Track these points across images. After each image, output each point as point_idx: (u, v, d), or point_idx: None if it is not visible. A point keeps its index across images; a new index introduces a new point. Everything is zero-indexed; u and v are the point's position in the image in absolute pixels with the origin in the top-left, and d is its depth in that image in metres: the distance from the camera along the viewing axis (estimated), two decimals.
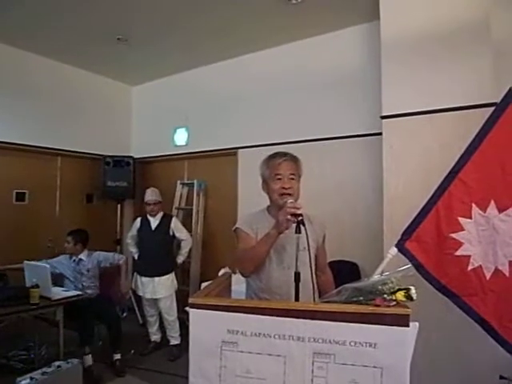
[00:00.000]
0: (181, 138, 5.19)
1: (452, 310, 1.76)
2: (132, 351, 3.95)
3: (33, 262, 3.52)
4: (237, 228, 1.94)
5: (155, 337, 4.19)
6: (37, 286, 3.11)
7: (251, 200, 3.32)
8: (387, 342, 1.23)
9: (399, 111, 2.95)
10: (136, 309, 4.84)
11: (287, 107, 4.22)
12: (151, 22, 3.82)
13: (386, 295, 1.30)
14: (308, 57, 4.13)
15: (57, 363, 2.88)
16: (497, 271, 1.73)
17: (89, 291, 3.71)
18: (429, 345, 2.28)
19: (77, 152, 5.01)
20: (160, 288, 4.01)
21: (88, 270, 3.79)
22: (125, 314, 4.29)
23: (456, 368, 2.58)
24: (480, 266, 1.74)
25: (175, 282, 4.16)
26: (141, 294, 4.14)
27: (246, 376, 1.30)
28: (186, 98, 5.14)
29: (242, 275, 1.92)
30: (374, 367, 1.23)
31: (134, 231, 4.26)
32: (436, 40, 2.84)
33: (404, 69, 2.97)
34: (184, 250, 4.21)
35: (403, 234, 1.81)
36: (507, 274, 1.72)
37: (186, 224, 4.58)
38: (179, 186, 5.08)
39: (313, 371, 1.27)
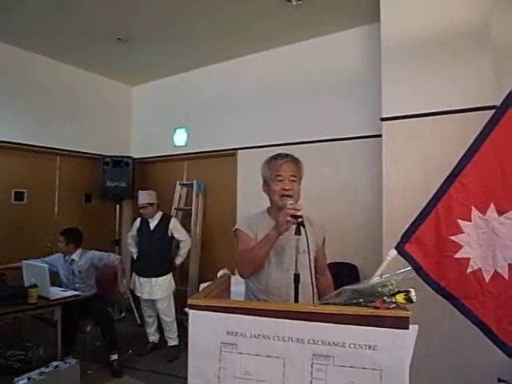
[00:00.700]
0: (180, 138, 5.19)
1: (451, 312, 1.76)
2: (130, 352, 3.95)
3: (31, 262, 3.51)
4: (237, 229, 1.94)
5: (153, 337, 4.17)
6: (35, 286, 3.11)
7: (250, 201, 3.33)
8: (387, 344, 1.22)
9: (399, 113, 2.95)
10: (134, 309, 4.83)
11: (287, 108, 4.23)
12: (152, 22, 3.82)
13: (385, 297, 1.29)
14: (308, 58, 4.14)
15: (54, 363, 2.88)
16: (496, 274, 1.74)
17: (80, 292, 3.60)
18: (428, 347, 2.28)
19: (76, 152, 5.00)
20: (157, 289, 3.99)
21: (80, 271, 3.74)
22: (123, 315, 4.27)
23: (454, 370, 2.58)
24: (479, 269, 1.74)
25: (173, 283, 4.14)
26: (138, 294, 4.12)
27: (245, 378, 1.30)
28: (185, 98, 5.14)
29: (242, 276, 1.91)
30: (374, 369, 1.23)
31: (133, 231, 4.26)
32: (436, 42, 2.85)
33: (404, 71, 2.97)
34: (182, 251, 4.19)
35: (403, 237, 1.81)
36: (506, 277, 1.72)
37: (185, 225, 4.57)
38: (178, 187, 5.08)
39: (312, 373, 1.26)
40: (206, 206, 4.99)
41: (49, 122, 4.70)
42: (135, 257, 4.26)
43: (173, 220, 4.22)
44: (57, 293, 3.37)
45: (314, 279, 1.77)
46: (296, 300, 1.64)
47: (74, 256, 3.77)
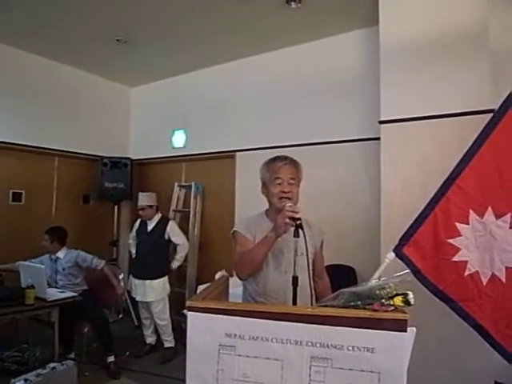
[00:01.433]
0: (179, 140, 5.19)
1: (449, 315, 1.77)
2: (127, 353, 3.93)
3: (26, 263, 3.52)
4: (235, 231, 1.94)
5: (150, 339, 4.16)
6: (32, 287, 3.10)
7: (249, 203, 3.34)
8: (385, 346, 1.23)
9: (397, 116, 2.96)
10: (131, 311, 4.82)
11: (286, 111, 4.23)
12: (151, 23, 3.83)
13: (383, 300, 1.30)
14: (307, 61, 4.15)
15: (51, 365, 2.87)
16: (493, 277, 1.74)
17: (66, 290, 3.57)
18: (426, 349, 2.28)
19: (74, 153, 4.99)
20: (150, 291, 3.97)
21: (64, 269, 3.73)
22: (120, 316, 4.26)
23: (452, 373, 2.59)
24: (477, 272, 1.75)
25: (167, 286, 4.10)
26: (134, 295, 4.12)
27: (243, 380, 1.30)
28: (184, 100, 5.14)
29: (240, 278, 1.91)
30: (372, 372, 1.23)
31: (133, 232, 4.27)
32: (435, 46, 2.86)
33: (403, 74, 2.98)
34: (179, 255, 4.15)
35: (401, 239, 1.82)
36: (503, 280, 1.73)
37: (183, 226, 4.57)
38: (176, 188, 5.07)
39: (310, 375, 1.26)
40: (204, 208, 4.99)
41: (47, 122, 4.70)
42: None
43: (170, 223, 4.18)
44: (54, 294, 3.36)
45: (312, 282, 1.78)
46: (294, 302, 1.64)
47: (59, 254, 3.78)
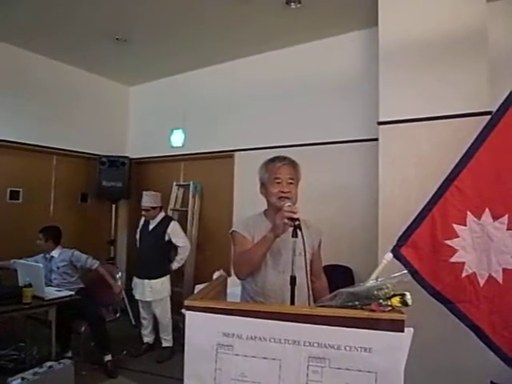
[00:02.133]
0: (177, 139, 5.19)
1: (446, 315, 1.77)
2: (124, 352, 3.93)
3: (23, 261, 3.52)
4: (233, 231, 1.94)
5: (148, 339, 4.15)
6: (30, 286, 3.09)
7: (247, 203, 3.34)
8: (382, 346, 1.23)
9: (396, 117, 2.98)
10: (129, 310, 4.82)
11: (285, 111, 4.24)
12: (151, 22, 3.83)
13: (381, 300, 1.30)
14: (306, 61, 4.16)
15: (48, 363, 2.87)
16: (490, 278, 1.75)
17: (61, 289, 3.56)
18: (423, 350, 2.28)
19: (72, 151, 4.99)
20: (148, 291, 3.95)
21: (58, 267, 3.72)
22: (118, 315, 4.25)
23: (449, 373, 2.60)
24: (474, 273, 1.75)
25: (168, 286, 4.05)
26: (134, 294, 4.11)
27: (241, 379, 1.30)
28: (183, 99, 5.14)
29: (238, 278, 1.92)
30: (369, 372, 1.23)
31: (138, 230, 4.25)
32: (433, 48, 2.87)
33: (402, 75, 3.00)
34: (179, 257, 4.08)
35: (399, 240, 1.82)
36: (500, 281, 1.74)
37: (181, 226, 4.55)
38: (175, 188, 5.07)
39: (308, 375, 1.27)
40: (202, 208, 4.99)
41: (45, 120, 4.69)
42: None
43: (172, 224, 4.09)
44: (52, 292, 3.35)
45: (309, 282, 1.79)
46: (292, 302, 1.64)
47: (54, 253, 3.78)
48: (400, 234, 1.83)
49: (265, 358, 1.30)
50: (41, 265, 3.37)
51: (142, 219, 4.23)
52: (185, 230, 4.62)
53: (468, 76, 2.76)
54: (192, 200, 4.88)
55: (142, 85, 5.66)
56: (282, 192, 1.85)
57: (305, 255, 1.67)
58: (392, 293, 1.32)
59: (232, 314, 1.33)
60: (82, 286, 3.84)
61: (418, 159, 2.86)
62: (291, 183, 1.89)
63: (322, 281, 2.12)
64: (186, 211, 4.87)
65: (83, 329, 3.57)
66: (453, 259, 1.75)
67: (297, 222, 1.65)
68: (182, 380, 1.38)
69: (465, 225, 1.76)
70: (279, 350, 1.29)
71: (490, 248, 1.75)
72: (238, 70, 4.68)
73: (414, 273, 1.76)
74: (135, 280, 4.09)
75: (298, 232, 1.65)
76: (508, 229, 1.73)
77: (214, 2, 3.40)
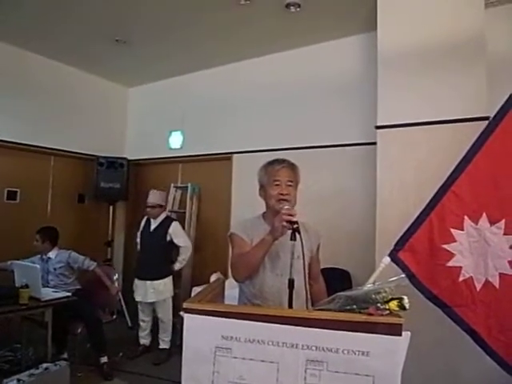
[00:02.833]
0: (176, 141, 5.19)
1: (443, 320, 1.78)
2: (120, 354, 3.92)
3: (20, 262, 3.50)
4: (232, 233, 1.94)
5: (145, 341, 4.14)
6: (26, 287, 3.08)
7: (245, 205, 3.34)
8: (380, 350, 1.23)
9: (394, 122, 2.98)
10: (125, 312, 4.81)
11: (284, 114, 4.25)
12: (150, 24, 3.83)
13: (379, 304, 1.31)
14: (305, 65, 4.17)
15: (44, 365, 2.86)
16: (487, 283, 1.76)
17: (58, 290, 3.56)
18: (420, 354, 2.29)
19: (70, 152, 4.98)
20: (151, 292, 3.94)
21: (55, 269, 3.72)
22: (114, 317, 4.24)
23: (445, 377, 2.60)
24: (471, 278, 1.77)
25: (171, 287, 4.05)
26: (135, 296, 4.07)
27: (238, 382, 1.30)
28: (182, 101, 5.15)
29: (236, 281, 1.92)
30: (367, 375, 1.24)
31: (139, 232, 4.22)
32: (432, 52, 2.89)
33: (400, 80, 3.01)
34: (181, 257, 4.08)
35: (396, 244, 1.83)
36: (497, 286, 1.75)
37: None
38: (173, 189, 5.06)
39: (305, 378, 1.27)
40: (200, 210, 4.99)
41: (44, 121, 4.68)
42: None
43: (173, 224, 4.08)
44: (48, 293, 3.34)
45: (307, 285, 1.79)
46: (290, 305, 1.64)
47: (50, 254, 3.77)
48: (398, 238, 1.84)
49: (263, 361, 1.30)
50: (38, 266, 3.36)
51: (144, 220, 4.21)
52: None
53: (467, 81, 2.77)
54: (190, 202, 4.88)
55: (141, 86, 5.66)
56: (281, 194, 1.85)
57: (303, 258, 1.68)
58: (390, 297, 1.32)
59: (230, 317, 1.33)
60: (78, 287, 3.83)
61: (416, 163, 2.87)
62: (290, 186, 1.89)
63: (320, 284, 2.12)
64: (184, 213, 4.87)
65: (79, 330, 3.56)
66: (450, 263, 1.76)
67: (295, 225, 1.65)
68: (179, 382, 1.38)
69: (462, 229, 1.78)
70: (277, 353, 1.29)
71: (486, 253, 1.76)
72: (237, 72, 4.69)
73: (411, 277, 1.77)
74: (136, 282, 4.06)
75: (297, 235, 1.65)
76: (505, 234, 1.74)
77: (214, 5, 3.41)
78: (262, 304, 1.84)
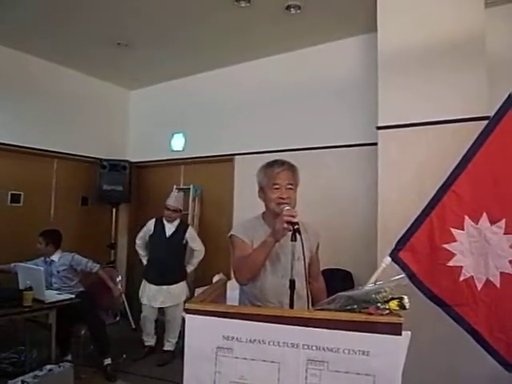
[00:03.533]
0: (178, 143, 5.21)
1: (443, 319, 1.79)
2: (124, 356, 3.93)
3: (23, 264, 3.52)
4: (232, 235, 1.94)
5: (150, 342, 4.14)
6: (30, 289, 3.10)
7: (247, 207, 3.33)
8: (380, 350, 1.24)
9: (395, 122, 2.99)
10: (129, 314, 4.82)
11: (285, 115, 4.26)
12: (152, 27, 3.86)
13: (379, 304, 1.31)
14: (306, 66, 4.19)
15: (48, 367, 2.88)
16: (488, 282, 1.76)
17: (62, 292, 3.57)
18: (420, 353, 2.29)
19: (73, 155, 5.00)
20: (169, 296, 3.95)
21: (58, 272, 3.72)
22: (117, 319, 4.25)
23: (446, 376, 2.60)
24: (471, 277, 1.77)
25: (186, 289, 4.09)
26: (145, 301, 4.03)
27: (240, 382, 1.31)
28: (183, 103, 5.17)
29: (239, 283, 1.91)
30: (367, 375, 1.24)
31: (146, 233, 4.16)
32: (432, 53, 2.89)
33: (400, 80, 3.01)
34: (195, 260, 4.17)
35: (397, 244, 1.84)
36: (498, 285, 1.75)
37: None
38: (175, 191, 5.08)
39: (306, 378, 1.28)
40: (202, 211, 5.01)
41: (47, 124, 4.71)
42: (145, 261, 4.20)
43: (190, 229, 4.20)
44: (52, 296, 3.36)
45: (308, 285, 1.80)
46: (291, 306, 1.65)
47: (54, 257, 3.77)
48: (398, 237, 1.85)
49: (264, 361, 1.31)
50: (41, 268, 3.39)
51: (151, 223, 4.17)
52: None
53: (467, 81, 2.78)
54: (192, 204, 4.90)
55: (142, 89, 5.68)
56: (281, 198, 1.83)
57: (304, 260, 1.68)
58: (390, 296, 1.32)
59: (232, 318, 1.34)
60: (82, 289, 3.84)
61: (416, 163, 2.87)
62: (290, 188, 1.87)
63: (320, 283, 2.12)
64: (187, 215, 4.88)
65: (83, 332, 3.58)
66: (450, 263, 1.77)
67: (296, 226, 1.66)
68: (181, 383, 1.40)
69: (462, 229, 1.78)
70: (278, 352, 1.30)
71: (487, 252, 1.77)
72: (238, 74, 4.71)
73: (411, 276, 1.77)
74: (150, 287, 4.01)
75: (297, 236, 1.66)
76: (505, 233, 1.75)
77: (214, 8, 3.43)
78: (263, 306, 1.84)
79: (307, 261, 1.82)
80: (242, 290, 1.99)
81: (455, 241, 1.77)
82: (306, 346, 1.29)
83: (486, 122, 1.87)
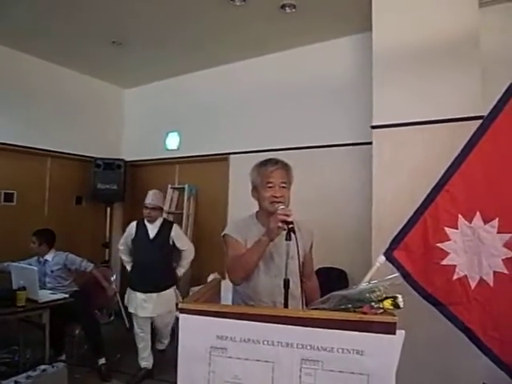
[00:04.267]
0: (172, 142, 5.20)
1: (437, 318, 1.79)
2: (118, 355, 3.91)
3: (16, 264, 3.51)
4: (225, 234, 1.93)
5: (146, 363, 3.63)
6: (24, 289, 3.08)
7: (242, 206, 3.32)
8: (374, 349, 1.24)
9: (389, 121, 3.00)
10: (123, 313, 4.79)
11: (279, 114, 4.27)
12: (147, 26, 3.84)
13: (373, 303, 1.31)
14: (301, 65, 4.19)
15: (42, 367, 2.86)
16: (481, 281, 1.77)
17: (55, 292, 3.54)
18: (414, 352, 2.30)
19: (67, 153, 4.98)
20: (160, 304, 3.57)
21: (52, 271, 3.70)
22: (112, 318, 4.23)
23: (440, 375, 2.61)
24: (465, 276, 1.77)
25: (178, 296, 3.75)
26: (132, 311, 3.62)
27: (234, 382, 1.31)
28: (178, 102, 5.16)
29: (233, 283, 1.90)
30: (361, 374, 1.24)
31: (128, 238, 3.78)
32: (427, 52, 2.90)
33: (395, 80, 3.02)
34: (185, 261, 3.81)
35: (391, 243, 1.83)
36: (491, 284, 1.75)
37: None
38: (170, 190, 5.07)
39: (301, 377, 1.27)
40: (197, 210, 5.00)
41: (40, 122, 4.68)
42: (129, 267, 3.80)
43: (174, 227, 3.80)
44: (46, 295, 3.35)
45: (301, 284, 1.79)
46: (286, 305, 1.65)
47: (47, 257, 3.75)
48: (393, 237, 1.85)
49: (258, 361, 1.31)
50: (35, 268, 3.37)
51: (133, 225, 3.79)
52: None
53: (462, 80, 2.79)
54: (187, 203, 4.89)
55: (137, 87, 5.67)
56: (275, 197, 1.83)
57: (298, 259, 1.68)
58: (384, 295, 1.33)
59: (226, 317, 1.34)
60: (76, 289, 3.82)
61: (411, 163, 2.88)
62: (284, 187, 1.87)
63: (313, 281, 2.13)
64: (181, 214, 4.87)
65: (77, 332, 3.57)
66: (444, 262, 1.77)
67: (290, 225, 1.66)
68: (174, 383, 1.39)
69: (456, 228, 1.78)
70: (272, 352, 1.30)
71: (480, 251, 1.77)
72: (233, 73, 4.70)
73: (406, 275, 1.77)
74: (137, 295, 3.58)
75: (292, 235, 1.65)
76: (498, 232, 1.75)
77: (209, 6, 3.42)
78: (256, 305, 1.83)
79: (301, 259, 1.82)
80: (235, 290, 1.98)
81: (449, 240, 1.77)
82: (300, 346, 1.28)
83: (479, 122, 1.87)
